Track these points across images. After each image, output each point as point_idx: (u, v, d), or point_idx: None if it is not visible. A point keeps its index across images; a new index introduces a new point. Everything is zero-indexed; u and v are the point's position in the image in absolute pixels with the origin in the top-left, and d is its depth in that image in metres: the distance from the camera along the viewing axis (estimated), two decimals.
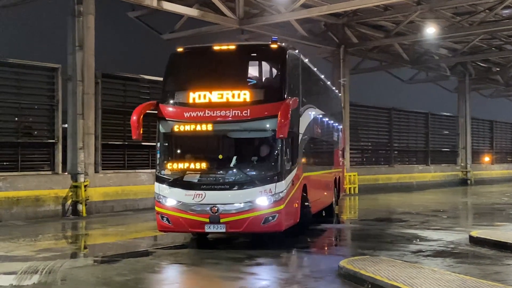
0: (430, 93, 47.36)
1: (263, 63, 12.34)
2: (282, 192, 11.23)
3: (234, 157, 11.57)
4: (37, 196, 17.08)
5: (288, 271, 9.63)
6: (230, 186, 11.26)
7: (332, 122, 18.62)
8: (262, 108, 11.29)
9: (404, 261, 9.92)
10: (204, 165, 11.48)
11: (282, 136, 10.84)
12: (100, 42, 19.33)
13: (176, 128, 11.62)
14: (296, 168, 12.05)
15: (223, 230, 11.27)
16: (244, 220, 11.11)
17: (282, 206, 11.25)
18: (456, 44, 32.22)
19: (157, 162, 11.89)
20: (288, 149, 11.59)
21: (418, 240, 12.94)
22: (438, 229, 14.83)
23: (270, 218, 11.18)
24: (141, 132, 11.61)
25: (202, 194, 11.20)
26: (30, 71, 18.19)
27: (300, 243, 12.58)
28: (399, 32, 27.81)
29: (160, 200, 11.60)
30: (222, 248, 11.83)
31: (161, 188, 11.61)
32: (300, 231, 12.96)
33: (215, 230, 11.33)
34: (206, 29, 24.78)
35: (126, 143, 19.95)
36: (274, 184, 11.15)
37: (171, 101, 11.93)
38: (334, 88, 21.37)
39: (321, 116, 16.10)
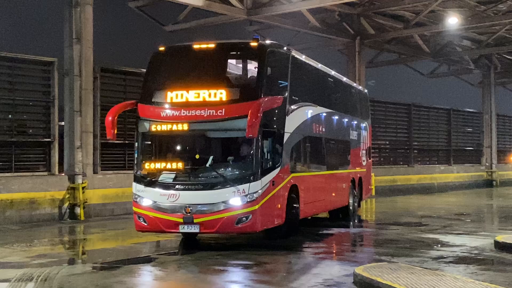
0: (452, 87, 47.26)
1: (242, 61, 13.08)
2: (256, 192, 11.74)
3: (209, 157, 12.17)
4: (32, 199, 17.16)
5: (300, 279, 9.63)
6: (203, 186, 11.87)
7: (347, 120, 18.66)
8: (237, 108, 11.82)
9: (424, 268, 9.90)
10: (179, 165, 12.15)
11: (251, 136, 11.38)
12: (99, 34, 19.41)
13: (153, 128, 12.33)
14: (279, 168, 12.58)
15: (197, 230, 11.90)
16: (218, 220, 11.70)
17: (256, 207, 11.75)
18: (480, 35, 32.09)
19: (135, 162, 12.67)
20: (266, 149, 12.18)
21: (439, 245, 12.92)
22: (461, 233, 14.81)
23: (244, 218, 11.73)
24: (116, 132, 12.39)
25: (176, 194, 11.86)
26: (24, 66, 18.27)
27: (312, 249, 12.60)
28: (419, 22, 27.71)
29: (137, 200, 12.29)
30: (229, 254, 11.85)
31: (138, 188, 12.30)
32: (288, 233, 13.42)
33: (189, 231, 11.96)
34: (212, 20, 24.80)
35: (127, 142, 19.97)
36: (248, 184, 11.69)
37: (150, 101, 12.61)
38: (355, 84, 21.44)
39: (326, 114, 16.38)
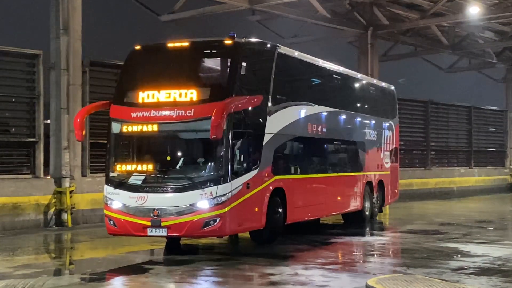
0: (473, 83, 47.14)
1: (214, 60, 13.70)
2: (225, 195, 12.23)
3: (179, 159, 12.93)
4: (15, 204, 17.15)
5: None
6: (171, 188, 12.47)
7: (361, 119, 18.88)
8: (205, 108, 12.31)
9: (443, 280, 9.89)
10: (148, 167, 12.80)
11: (215, 137, 11.78)
12: (88, 24, 19.37)
13: (124, 128, 13.03)
14: (256, 171, 13.15)
15: (164, 234, 12.47)
16: (184, 223, 12.25)
17: (225, 210, 12.24)
18: (504, 26, 32.02)
19: (106, 164, 13.37)
20: (238, 151, 12.69)
21: (459, 255, 12.92)
22: (483, 242, 14.80)
23: (211, 222, 12.24)
24: (84, 133, 13.31)
25: (144, 197, 12.47)
26: (6, 58, 18.23)
27: (321, 259, 12.60)
28: (437, 12, 27.68)
29: (107, 203, 12.96)
30: (229, 264, 11.91)
31: (108, 190, 12.99)
32: (271, 238, 13.98)
33: (156, 234, 12.52)
34: (211, 9, 24.78)
35: None
36: (216, 187, 12.19)
37: (122, 101, 13.33)
38: (375, 81, 21.47)
39: (327, 113, 16.72)
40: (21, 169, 18.25)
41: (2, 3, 36.48)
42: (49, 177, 18.28)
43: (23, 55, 18.49)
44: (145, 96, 12.96)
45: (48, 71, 18.50)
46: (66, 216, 17.85)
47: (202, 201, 12.19)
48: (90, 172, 19.26)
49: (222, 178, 12.25)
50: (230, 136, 12.29)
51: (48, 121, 18.71)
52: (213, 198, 12.15)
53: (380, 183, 20.08)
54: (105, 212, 13.03)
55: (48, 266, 12.22)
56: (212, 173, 12.42)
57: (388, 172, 20.81)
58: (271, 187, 13.70)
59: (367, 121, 19.37)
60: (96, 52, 23.67)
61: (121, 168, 12.99)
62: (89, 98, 19.24)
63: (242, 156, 12.84)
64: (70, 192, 17.96)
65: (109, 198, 12.90)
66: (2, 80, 18.06)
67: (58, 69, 18.30)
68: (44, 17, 19.31)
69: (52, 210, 17.85)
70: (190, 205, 12.20)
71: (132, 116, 12.87)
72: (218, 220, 12.20)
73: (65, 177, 18.05)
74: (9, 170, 17.86)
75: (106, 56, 21.00)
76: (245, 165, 12.89)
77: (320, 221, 19.18)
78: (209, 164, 12.61)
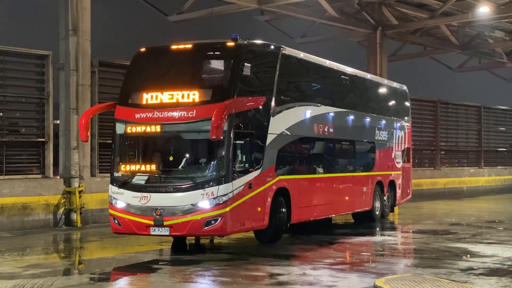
0: (483, 83, 47.02)
1: (217, 62, 13.92)
2: (226, 195, 12.44)
3: (181, 159, 13.20)
4: (24, 204, 17.23)
5: None
6: (173, 188, 12.73)
7: (370, 119, 18.94)
8: (207, 109, 12.53)
9: (452, 280, 9.88)
10: (151, 167, 13.09)
11: (215, 138, 11.98)
12: (97, 25, 19.43)
13: (128, 129, 13.31)
14: (258, 171, 13.36)
15: (167, 233, 12.72)
16: (186, 223, 12.48)
17: (226, 210, 12.45)
18: None
19: (111, 164, 13.65)
20: (240, 151, 12.91)
21: (468, 255, 12.89)
22: (493, 243, 14.75)
23: (212, 221, 12.46)
24: (89, 134, 13.66)
25: (147, 197, 12.73)
26: (16, 59, 18.35)
27: (328, 259, 12.60)
28: (446, 11, 27.62)
29: (112, 202, 13.25)
30: (237, 264, 11.93)
31: (113, 190, 13.26)
32: (274, 238, 14.19)
33: (159, 233, 12.78)
34: (220, 10, 24.81)
35: None
36: (217, 187, 12.41)
37: (126, 102, 13.60)
38: (386, 81, 21.47)
39: (334, 114, 16.85)
40: (30, 169, 18.35)
41: (12, 4, 36.65)
42: (58, 177, 18.37)
43: (32, 55, 18.58)
44: (148, 97, 13.19)
45: (57, 72, 18.59)
46: (75, 216, 17.92)
47: (203, 201, 12.39)
48: (99, 172, 19.32)
49: (223, 178, 12.45)
50: (231, 136, 12.52)
51: (58, 121, 18.79)
52: (214, 198, 12.36)
53: (391, 183, 20.17)
54: (110, 211, 13.29)
55: (57, 266, 12.27)
56: (213, 173, 12.64)
57: (400, 172, 20.89)
58: (274, 187, 13.90)
59: (377, 121, 19.37)
60: (105, 52, 23.72)
61: (125, 168, 13.25)
62: (98, 99, 19.31)
63: (244, 156, 13.05)
64: (80, 192, 18.04)
65: (114, 198, 13.14)
66: (11, 81, 18.17)
67: (67, 69, 18.37)
68: (53, 17, 19.39)
69: (61, 210, 17.92)
70: (192, 204, 12.42)
71: (136, 117, 13.13)
72: (219, 219, 12.40)
73: (74, 177, 18.12)
74: (18, 170, 17.96)
75: (115, 57, 21.06)
76: (247, 165, 13.09)
77: (332, 221, 19.23)
78: (211, 164, 12.86)
